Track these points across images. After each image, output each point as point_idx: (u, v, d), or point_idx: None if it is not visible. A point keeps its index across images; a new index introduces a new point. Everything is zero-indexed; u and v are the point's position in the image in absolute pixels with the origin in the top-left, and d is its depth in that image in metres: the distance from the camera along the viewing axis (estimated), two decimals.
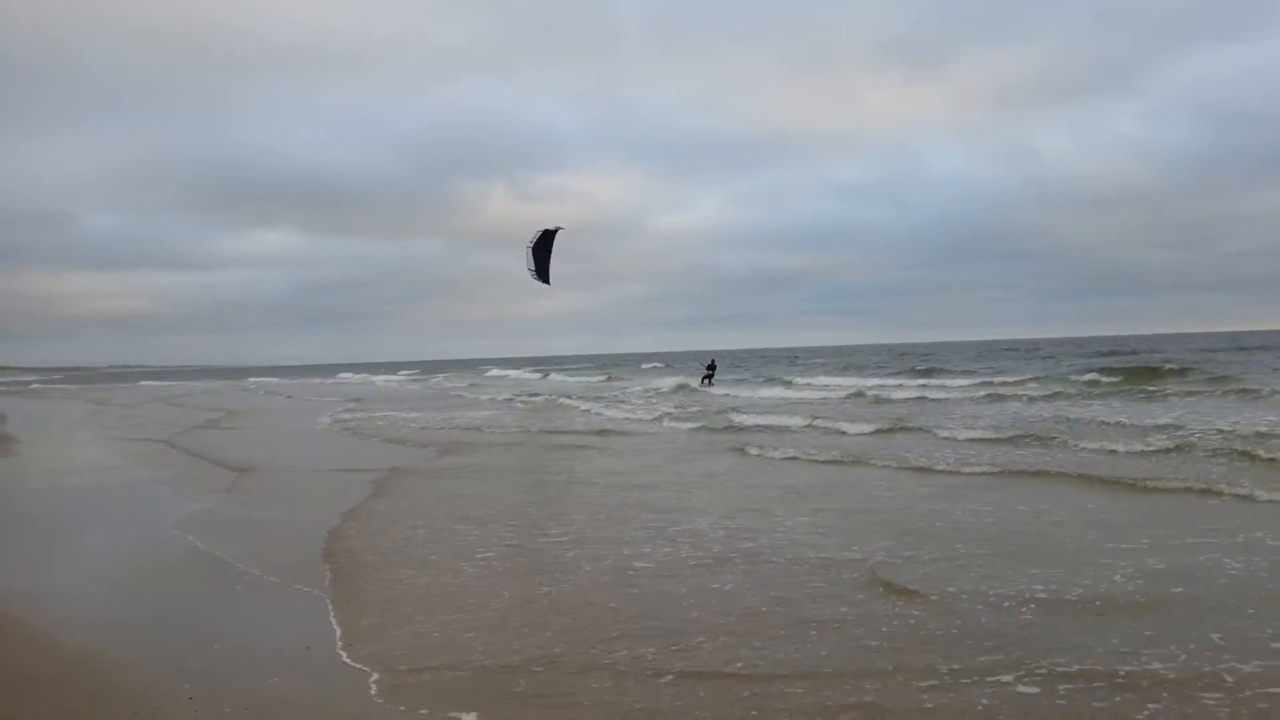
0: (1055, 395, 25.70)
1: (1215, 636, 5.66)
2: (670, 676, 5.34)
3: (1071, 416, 19.18)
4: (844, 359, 76.97)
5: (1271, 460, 12.15)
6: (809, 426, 19.73)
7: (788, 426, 19.97)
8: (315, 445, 20.18)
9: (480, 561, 8.24)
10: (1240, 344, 70.91)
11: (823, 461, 14.33)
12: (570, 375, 63.80)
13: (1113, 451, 13.75)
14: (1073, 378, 32.72)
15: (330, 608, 6.96)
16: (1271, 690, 4.84)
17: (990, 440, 15.88)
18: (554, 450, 17.40)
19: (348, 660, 5.81)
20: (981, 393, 27.88)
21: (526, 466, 15.07)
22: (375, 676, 5.49)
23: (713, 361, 44.63)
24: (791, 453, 15.30)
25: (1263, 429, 14.90)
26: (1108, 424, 17.22)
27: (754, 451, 15.70)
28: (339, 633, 6.36)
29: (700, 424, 21.25)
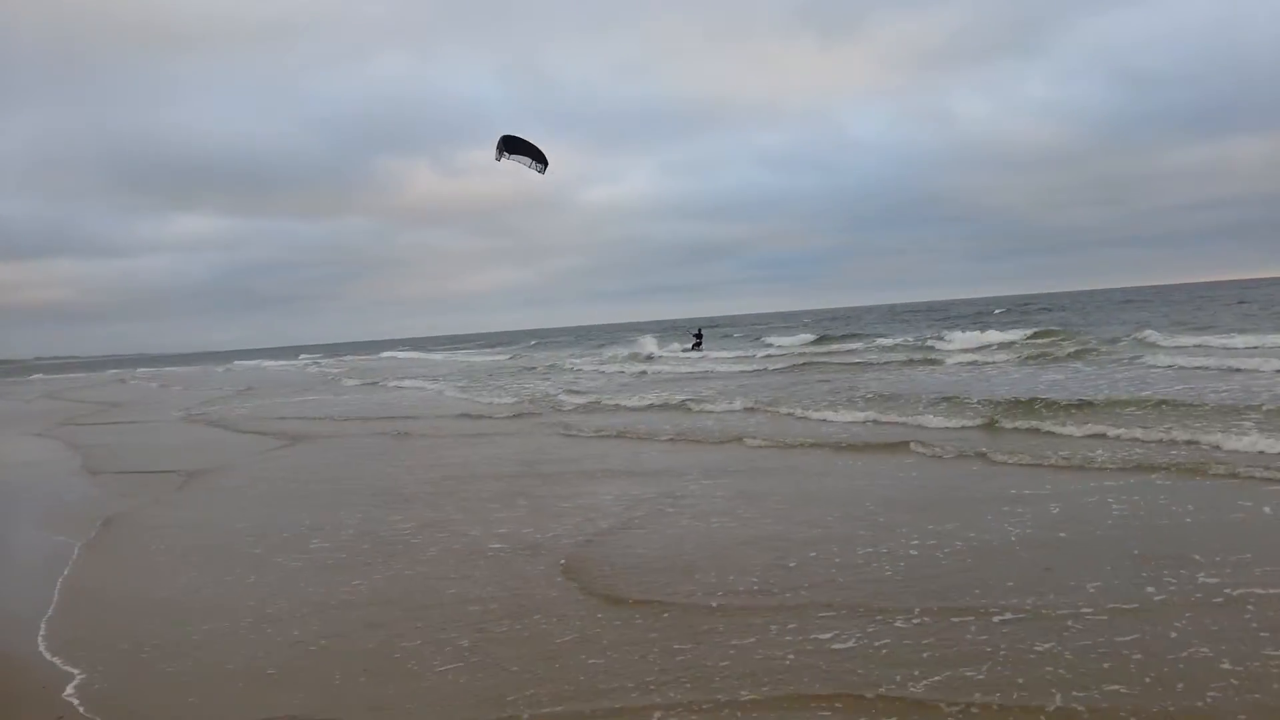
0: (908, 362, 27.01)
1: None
2: None
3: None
4: (768, 326, 78.15)
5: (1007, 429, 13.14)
6: (650, 407, 19.53)
7: (621, 406, 20.15)
8: (167, 437, 20.44)
9: (308, 553, 8.23)
10: (1145, 298, 74.13)
11: (673, 440, 14.32)
12: (475, 355, 63.99)
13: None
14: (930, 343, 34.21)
15: (47, 623, 6.67)
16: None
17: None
18: (379, 438, 17.39)
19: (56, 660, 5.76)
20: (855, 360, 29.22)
21: (361, 454, 15.24)
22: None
23: (700, 330, 47.18)
24: (630, 431, 15.53)
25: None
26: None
27: (584, 432, 15.86)
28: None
29: (541, 405, 21.59)
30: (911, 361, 26.91)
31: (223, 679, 5.46)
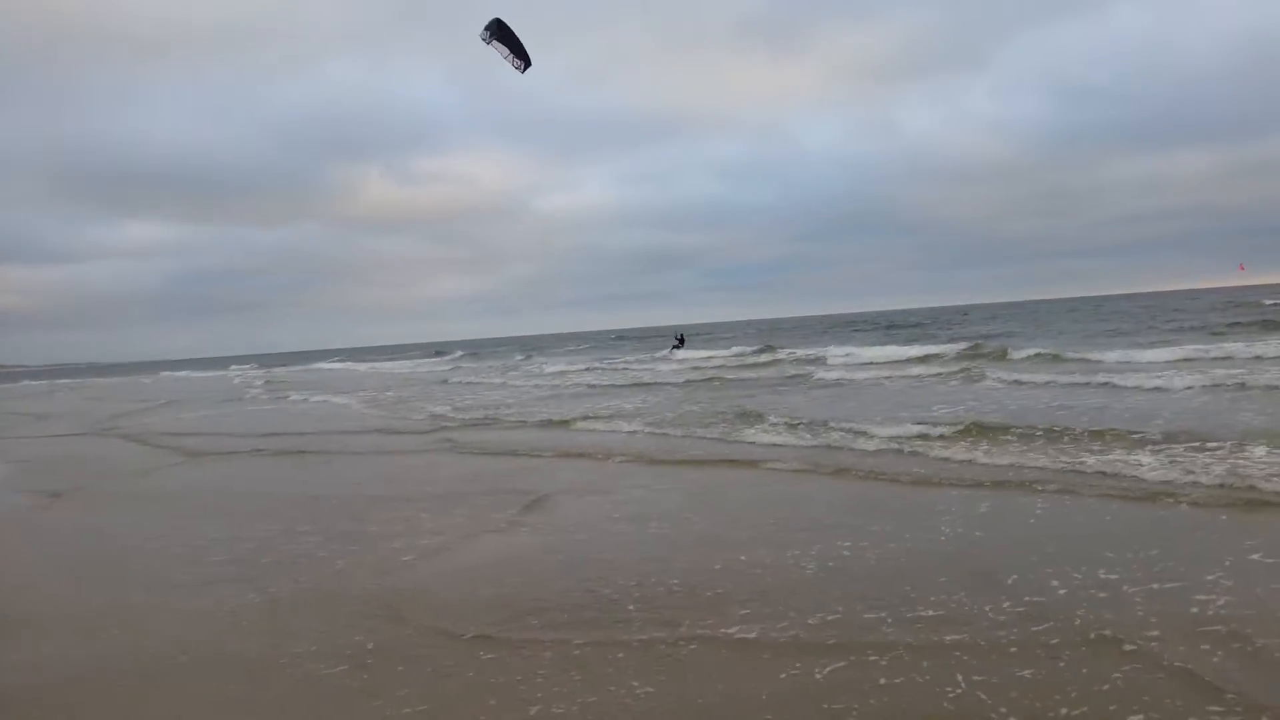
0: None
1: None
2: None
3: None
4: (711, 336, 78.61)
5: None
6: (542, 423, 18.64)
7: (508, 421, 19.45)
8: (65, 449, 19.54)
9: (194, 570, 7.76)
10: (1090, 308, 75.99)
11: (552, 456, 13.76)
12: (406, 365, 63.48)
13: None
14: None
15: None
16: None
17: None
18: (255, 456, 16.24)
19: None
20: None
21: (238, 472, 14.42)
22: None
23: (681, 335, 52.33)
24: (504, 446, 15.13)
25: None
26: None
27: (469, 449, 15.19)
28: None
29: (439, 421, 20.57)
30: (795, 378, 26.68)
31: (80, 690, 5.16)
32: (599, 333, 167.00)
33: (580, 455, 13.55)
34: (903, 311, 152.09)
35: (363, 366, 68.46)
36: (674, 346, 48.50)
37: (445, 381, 39.27)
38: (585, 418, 18.70)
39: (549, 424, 18.45)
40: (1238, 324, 35.62)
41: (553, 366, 43.84)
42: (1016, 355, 27.32)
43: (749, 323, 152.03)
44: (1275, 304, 49.42)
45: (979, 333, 46.65)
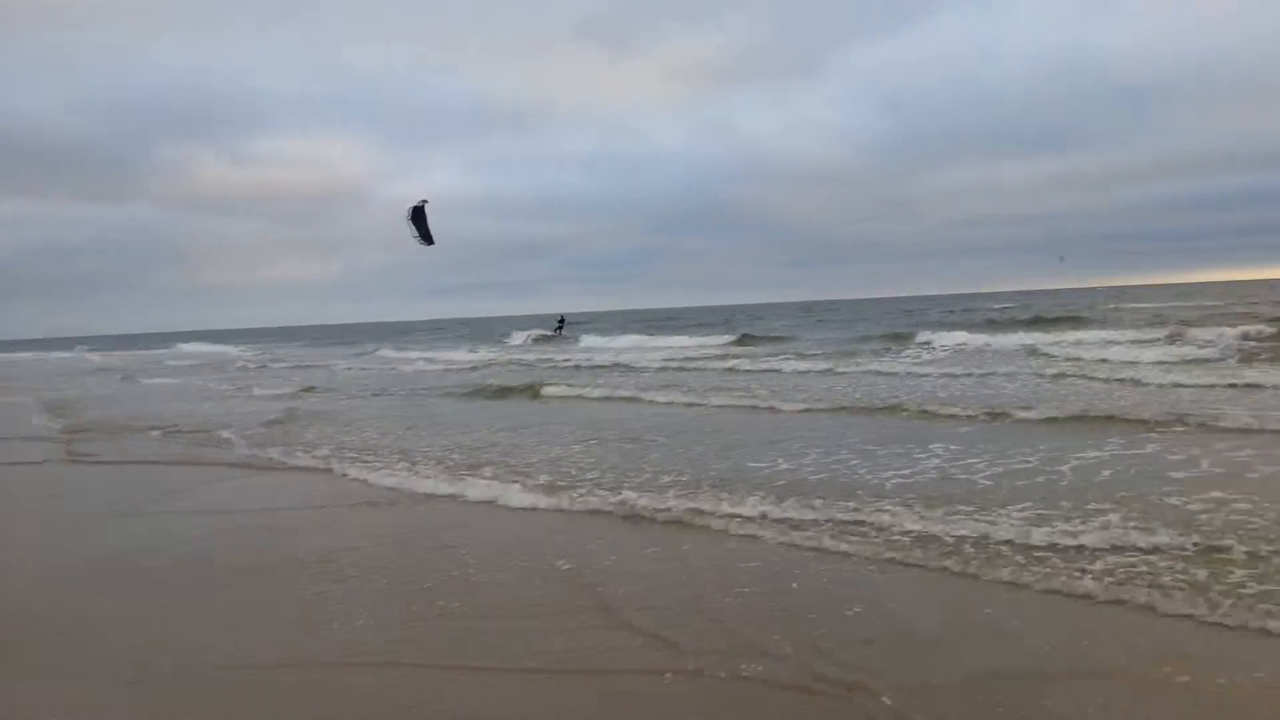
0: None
1: None
2: None
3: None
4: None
5: None
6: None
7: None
8: None
9: None
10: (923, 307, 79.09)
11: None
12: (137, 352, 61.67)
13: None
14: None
15: None
16: None
17: None
18: None
19: None
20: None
21: None
22: None
23: (562, 317, 55.12)
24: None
25: None
26: None
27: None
28: None
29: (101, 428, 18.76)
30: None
31: None
32: (449, 321, 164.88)
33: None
34: (741, 307, 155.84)
35: (96, 356, 64.29)
36: (556, 328, 52.16)
37: (130, 380, 35.87)
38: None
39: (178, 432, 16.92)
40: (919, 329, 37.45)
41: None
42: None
43: (610, 314, 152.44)
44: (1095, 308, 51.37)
45: (746, 331, 47.58)
